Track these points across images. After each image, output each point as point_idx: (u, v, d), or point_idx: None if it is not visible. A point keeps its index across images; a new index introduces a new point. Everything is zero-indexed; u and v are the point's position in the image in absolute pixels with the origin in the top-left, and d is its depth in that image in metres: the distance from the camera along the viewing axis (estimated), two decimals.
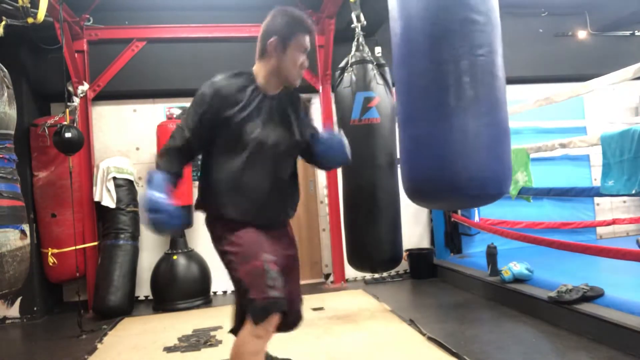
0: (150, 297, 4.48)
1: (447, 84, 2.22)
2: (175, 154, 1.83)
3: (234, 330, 2.03)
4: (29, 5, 3.40)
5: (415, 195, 2.51)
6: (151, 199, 1.66)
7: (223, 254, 1.85)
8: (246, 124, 1.80)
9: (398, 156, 2.67)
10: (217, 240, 1.88)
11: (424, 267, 4.82)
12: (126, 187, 4.38)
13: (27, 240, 2.55)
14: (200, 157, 1.94)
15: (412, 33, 2.32)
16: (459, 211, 4.79)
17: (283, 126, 1.90)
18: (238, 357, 1.75)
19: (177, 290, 4.22)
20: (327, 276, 4.97)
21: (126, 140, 4.76)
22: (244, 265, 1.75)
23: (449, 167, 2.23)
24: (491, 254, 3.79)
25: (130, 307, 4.18)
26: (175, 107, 4.87)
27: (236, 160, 1.81)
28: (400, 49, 2.41)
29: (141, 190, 4.63)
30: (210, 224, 1.92)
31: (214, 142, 1.84)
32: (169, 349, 3.06)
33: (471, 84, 2.20)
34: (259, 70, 1.89)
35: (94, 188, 4.35)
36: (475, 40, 2.20)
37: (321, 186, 5.03)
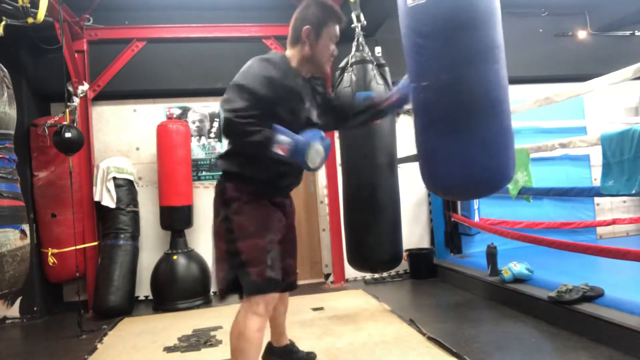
0: (150, 297, 4.48)
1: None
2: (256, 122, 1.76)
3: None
4: (29, 5, 3.40)
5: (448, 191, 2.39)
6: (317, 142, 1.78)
7: (224, 220, 1.87)
8: (298, 104, 1.93)
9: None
10: (225, 203, 1.89)
11: (424, 267, 4.82)
12: (126, 187, 4.38)
13: (27, 240, 2.55)
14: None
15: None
16: (459, 211, 4.79)
17: (316, 106, 2.09)
18: (241, 334, 1.79)
19: (177, 290, 4.22)
20: (327, 276, 4.97)
21: (126, 140, 4.76)
22: (247, 239, 1.81)
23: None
24: (491, 254, 3.79)
25: (130, 307, 4.18)
26: (175, 107, 4.88)
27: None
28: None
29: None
30: (225, 184, 1.93)
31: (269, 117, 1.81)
32: (169, 349, 3.06)
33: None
34: (292, 56, 1.99)
35: (94, 188, 4.34)
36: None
37: (321, 186, 5.02)
